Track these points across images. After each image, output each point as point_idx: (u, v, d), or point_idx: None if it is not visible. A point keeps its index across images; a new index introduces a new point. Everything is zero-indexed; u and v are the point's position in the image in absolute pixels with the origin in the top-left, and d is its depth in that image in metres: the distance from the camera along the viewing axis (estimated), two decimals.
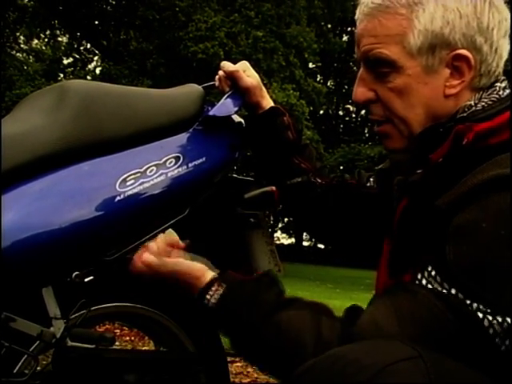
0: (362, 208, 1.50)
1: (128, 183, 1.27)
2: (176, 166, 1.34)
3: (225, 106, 1.49)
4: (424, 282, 1.05)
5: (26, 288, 1.23)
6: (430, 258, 1.06)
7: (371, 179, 1.54)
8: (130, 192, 1.26)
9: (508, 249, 0.99)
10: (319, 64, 24.41)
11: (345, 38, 29.09)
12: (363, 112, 27.78)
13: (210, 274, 1.21)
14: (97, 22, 16.34)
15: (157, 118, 1.38)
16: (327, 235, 1.69)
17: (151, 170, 1.31)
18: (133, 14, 14.87)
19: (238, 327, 1.17)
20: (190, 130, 1.43)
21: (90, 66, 17.98)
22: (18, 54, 19.33)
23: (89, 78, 16.61)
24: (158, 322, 1.48)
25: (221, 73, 1.55)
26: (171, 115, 1.41)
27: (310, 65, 21.85)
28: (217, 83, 1.58)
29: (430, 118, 1.19)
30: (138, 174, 1.29)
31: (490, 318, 0.99)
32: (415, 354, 0.93)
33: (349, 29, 28.53)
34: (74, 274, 1.25)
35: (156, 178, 1.30)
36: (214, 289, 1.18)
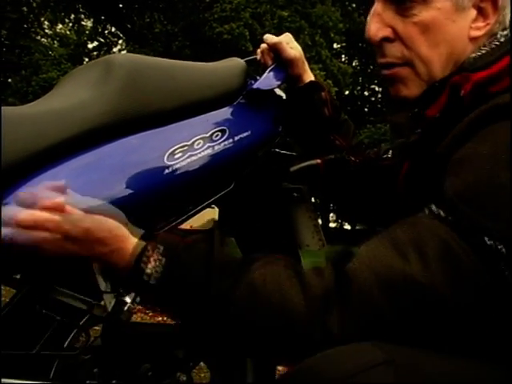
0: (379, 181, 1.46)
1: (176, 156, 1.26)
2: (222, 140, 1.33)
3: (268, 80, 1.48)
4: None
5: (76, 263, 1.22)
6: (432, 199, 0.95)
7: (390, 152, 1.49)
8: (179, 165, 1.25)
9: (508, 171, 0.89)
10: (344, 44, 24.22)
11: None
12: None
13: (133, 238, 0.99)
14: (121, 6, 16.32)
15: (201, 91, 1.37)
16: (357, 214, 1.67)
17: (198, 143, 1.29)
18: None
19: (196, 304, 0.95)
20: (235, 104, 1.42)
21: (115, 50, 17.96)
22: (42, 39, 19.38)
23: None
24: None
25: (263, 45, 1.54)
26: (215, 88, 1.40)
27: (335, 45, 21.66)
28: (259, 56, 1.56)
29: (451, 61, 1.10)
30: (186, 147, 1.27)
31: (491, 242, 0.87)
32: (388, 358, 0.81)
33: None
34: None
35: (203, 151, 1.29)
36: (151, 258, 0.96)
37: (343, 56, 26.86)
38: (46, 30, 19.94)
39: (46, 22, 19.75)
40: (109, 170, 1.20)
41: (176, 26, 14.73)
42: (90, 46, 18.28)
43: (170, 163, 1.25)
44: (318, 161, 1.49)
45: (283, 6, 15.16)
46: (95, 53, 17.75)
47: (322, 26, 16.29)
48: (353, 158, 1.52)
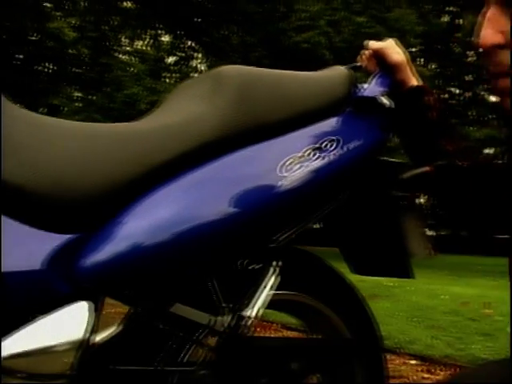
0: (493, 186, 1.39)
1: (289, 168, 1.24)
2: (335, 149, 1.31)
3: (374, 87, 1.46)
4: None
5: (194, 278, 1.23)
6: None
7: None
8: (292, 177, 1.24)
9: None
10: (421, 47, 23.91)
11: (445, 18, 28.34)
12: (467, 94, 27.04)
13: None
14: (198, 20, 16.54)
15: (308, 102, 1.35)
16: (472, 220, 1.62)
17: (310, 153, 1.28)
18: (233, 9, 14.98)
19: None
20: (343, 113, 1.39)
21: (194, 63, 18.21)
22: (122, 57, 19.82)
23: (195, 74, 16.90)
24: (313, 307, 1.47)
25: (366, 52, 1.52)
26: (321, 98, 1.38)
27: (412, 48, 21.37)
28: (362, 63, 1.54)
29: None
30: (298, 159, 1.26)
31: None
32: None
33: (449, 8, 27.75)
34: (239, 262, 1.25)
35: (316, 161, 1.27)
36: None
37: (421, 59, 26.48)
38: (125, 47, 20.38)
39: (124, 39, 20.19)
40: (224, 184, 1.20)
41: (253, 37, 14.84)
42: (169, 60, 18.58)
43: (282, 175, 1.23)
44: (429, 168, 1.45)
45: (359, 12, 15.08)
46: (174, 67, 18.02)
47: (399, 29, 16.12)
48: (463, 163, 1.47)
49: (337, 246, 1.57)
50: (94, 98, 17.16)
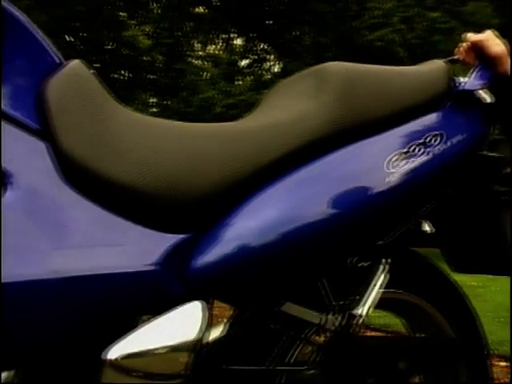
0: None
1: (395, 164, 1.23)
2: (439, 144, 1.29)
3: (474, 80, 1.42)
4: None
5: (303, 277, 1.22)
6: None
7: None
8: (399, 173, 1.22)
9: None
10: None
11: None
12: None
13: None
14: (269, 22, 16.57)
15: (411, 97, 1.34)
16: None
17: (415, 149, 1.26)
18: (304, 9, 14.94)
19: None
20: (444, 107, 1.37)
21: (267, 65, 18.24)
22: (194, 61, 20.02)
23: (268, 76, 16.94)
24: (417, 306, 1.45)
25: (464, 44, 1.49)
26: (423, 93, 1.36)
27: None
28: (460, 56, 1.51)
29: None
30: (404, 154, 1.25)
31: None
32: None
33: None
34: (348, 260, 1.24)
35: (421, 157, 1.26)
36: None
37: None
38: (198, 52, 20.58)
39: (196, 45, 20.39)
40: (331, 182, 1.19)
41: (326, 37, 14.76)
42: (242, 63, 18.67)
43: (390, 171, 1.22)
44: None
45: (432, 7, 14.79)
46: (248, 70, 18.09)
47: (475, 23, 15.75)
48: None
49: (437, 246, 1.54)
50: (169, 103, 17.39)
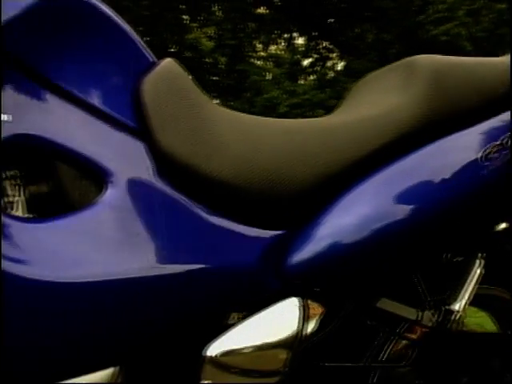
0: None
1: (489, 156, 1.20)
2: None
3: None
4: None
5: (399, 272, 1.20)
6: None
7: None
8: (493, 166, 1.19)
9: None
10: None
11: None
12: None
13: None
14: (331, 20, 16.50)
15: (499, 88, 1.30)
16: None
17: (508, 141, 1.22)
18: (367, 6, 14.83)
19: None
20: None
21: (330, 63, 18.19)
22: (256, 62, 20.09)
23: (332, 75, 16.88)
24: (509, 302, 1.41)
25: None
26: (508, 83, 1.32)
27: None
28: None
29: None
30: (497, 147, 1.21)
31: None
32: None
33: None
34: (443, 255, 1.22)
35: None
36: None
37: None
38: (260, 53, 20.64)
39: (258, 45, 20.46)
40: (425, 176, 1.17)
41: (389, 33, 14.63)
42: (305, 62, 18.65)
43: (484, 164, 1.19)
44: None
45: None
46: (310, 69, 18.07)
47: None
48: None
49: None
50: (233, 103, 17.50)
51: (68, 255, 0.95)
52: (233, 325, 1.06)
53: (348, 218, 1.12)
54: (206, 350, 1.03)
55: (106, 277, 0.96)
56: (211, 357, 1.03)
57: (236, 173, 1.06)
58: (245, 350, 1.05)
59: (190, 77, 1.15)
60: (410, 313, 1.20)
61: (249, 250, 1.07)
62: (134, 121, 1.04)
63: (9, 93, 0.95)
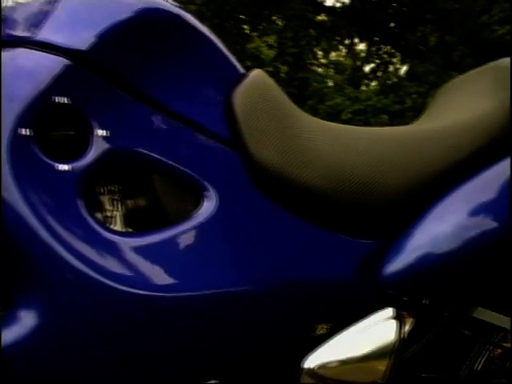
0: None
1: None
2: None
3: None
4: None
5: (493, 282, 1.18)
6: None
7: None
8: None
9: None
10: None
11: None
12: None
13: None
14: (392, 24, 16.34)
15: None
16: None
17: None
18: (429, 8, 14.63)
19: None
20: None
21: (392, 68, 18.00)
22: (317, 69, 20.05)
23: (394, 79, 16.72)
24: None
25: None
26: None
27: None
28: None
29: None
30: None
31: None
32: None
33: None
34: None
35: None
36: None
37: None
38: (321, 60, 20.60)
39: (319, 52, 20.42)
40: None
41: (453, 35, 14.38)
42: (367, 67, 18.53)
43: None
44: None
45: None
46: (371, 75, 17.93)
47: None
48: None
49: None
50: None
51: (166, 269, 0.96)
52: (321, 336, 1.05)
53: (442, 227, 1.10)
54: (304, 362, 1.03)
55: (205, 290, 0.96)
56: (309, 369, 1.03)
57: (329, 181, 1.05)
58: (342, 362, 1.04)
59: (279, 87, 1.15)
60: (504, 322, 1.17)
61: (343, 260, 1.06)
62: (228, 133, 1.05)
63: (105, 108, 0.96)
